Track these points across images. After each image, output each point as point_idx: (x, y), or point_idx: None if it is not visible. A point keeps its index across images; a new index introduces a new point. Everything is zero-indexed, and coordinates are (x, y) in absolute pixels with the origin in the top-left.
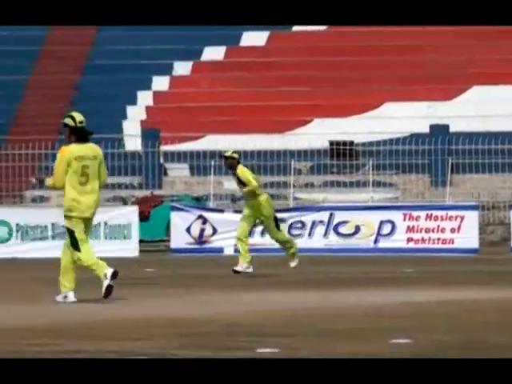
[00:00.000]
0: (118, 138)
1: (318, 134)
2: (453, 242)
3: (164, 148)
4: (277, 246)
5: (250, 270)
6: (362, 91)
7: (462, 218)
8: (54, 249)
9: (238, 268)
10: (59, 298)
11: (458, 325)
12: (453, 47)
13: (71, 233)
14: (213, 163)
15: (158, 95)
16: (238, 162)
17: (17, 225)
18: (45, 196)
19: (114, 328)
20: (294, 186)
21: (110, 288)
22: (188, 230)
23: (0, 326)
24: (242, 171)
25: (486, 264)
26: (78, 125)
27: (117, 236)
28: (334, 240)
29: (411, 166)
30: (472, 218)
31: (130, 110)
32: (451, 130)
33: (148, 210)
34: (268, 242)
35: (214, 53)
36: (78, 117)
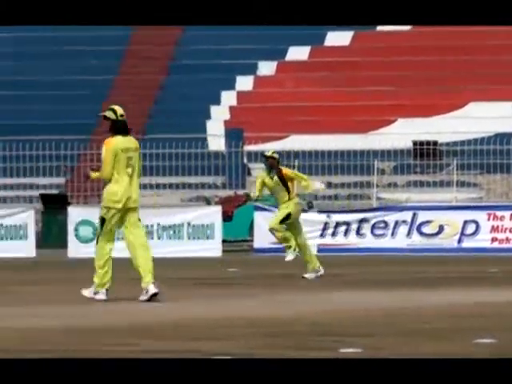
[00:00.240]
0: (202, 138)
1: (401, 133)
2: None
3: (247, 148)
4: (357, 246)
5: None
6: (446, 91)
7: None
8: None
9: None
10: (85, 292)
11: None
12: None
13: (102, 222)
14: (296, 163)
15: (241, 95)
16: (278, 163)
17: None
18: None
19: (196, 327)
20: (377, 185)
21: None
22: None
23: (79, 326)
24: (287, 171)
25: None
26: (119, 118)
27: (200, 236)
28: (417, 240)
29: (496, 165)
30: None
31: (213, 109)
32: None
33: (231, 209)
34: (351, 241)
35: (298, 53)
36: (119, 110)
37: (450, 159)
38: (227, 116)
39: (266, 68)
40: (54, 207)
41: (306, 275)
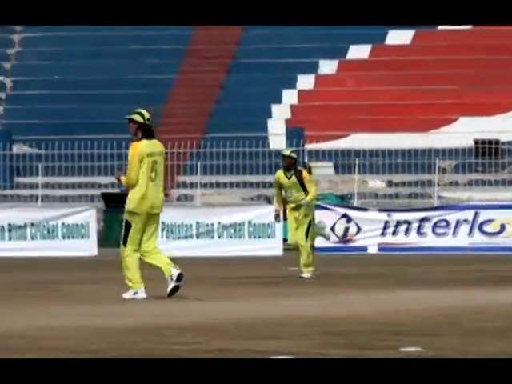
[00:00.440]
0: (263, 137)
1: (463, 132)
2: None
3: (308, 146)
4: (418, 244)
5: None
6: (508, 89)
7: None
8: (199, 247)
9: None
10: (127, 295)
11: None
12: None
13: (128, 227)
14: (357, 162)
15: (302, 94)
16: (296, 162)
17: (162, 223)
18: (190, 195)
19: (257, 326)
20: (439, 184)
21: (176, 289)
22: (332, 228)
23: (141, 325)
24: (307, 176)
25: None
26: (146, 122)
27: (261, 235)
28: (478, 239)
29: None
30: None
31: (274, 108)
32: None
33: None
34: (412, 240)
35: (359, 51)
36: (146, 114)
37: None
38: (288, 115)
39: (327, 67)
40: (115, 206)
41: (305, 275)
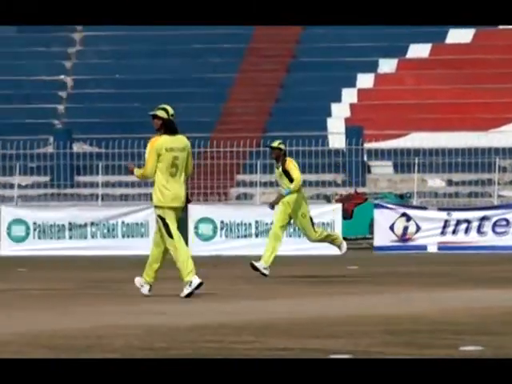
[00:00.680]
0: (323, 136)
1: None
2: None
3: (368, 145)
4: (478, 243)
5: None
6: None
7: None
8: (258, 246)
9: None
10: (138, 284)
11: None
12: None
13: (163, 220)
14: (417, 160)
15: (362, 92)
16: (285, 155)
17: (221, 222)
18: (249, 193)
19: (315, 325)
20: (499, 183)
21: (189, 296)
22: (391, 227)
23: (202, 323)
24: (292, 166)
25: None
26: (170, 117)
27: None
28: None
29: None
30: None
31: (334, 107)
32: None
33: (351, 207)
34: (472, 239)
35: (419, 50)
36: (170, 110)
37: None
38: (348, 113)
39: (387, 65)
40: None
41: (342, 250)
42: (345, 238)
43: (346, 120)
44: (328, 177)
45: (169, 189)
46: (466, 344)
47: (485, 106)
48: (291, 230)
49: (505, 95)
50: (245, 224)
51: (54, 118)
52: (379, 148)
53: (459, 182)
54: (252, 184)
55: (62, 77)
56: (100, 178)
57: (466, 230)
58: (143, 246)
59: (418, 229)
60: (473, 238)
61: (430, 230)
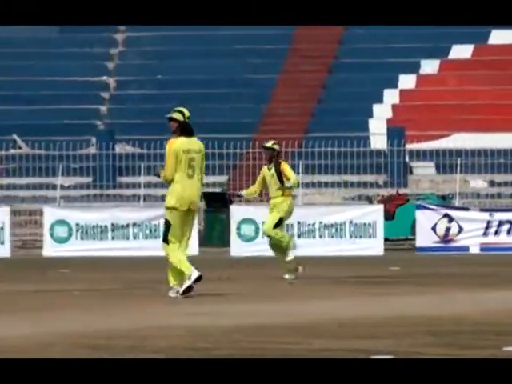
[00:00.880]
0: (364, 137)
1: None
2: None
3: (409, 146)
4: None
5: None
6: None
7: None
8: (300, 247)
9: None
10: (172, 294)
11: None
12: None
13: (167, 224)
14: (459, 161)
15: (404, 93)
16: (278, 155)
17: (263, 223)
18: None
19: (358, 326)
20: None
21: (190, 289)
22: (433, 228)
23: (245, 324)
24: (287, 167)
25: None
26: (186, 120)
27: (362, 235)
28: None
29: None
30: None
31: (376, 108)
32: None
33: (393, 208)
34: (510, 240)
35: (461, 51)
36: (186, 112)
37: None
38: (390, 114)
39: (429, 66)
40: (216, 206)
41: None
42: (386, 239)
43: (388, 121)
44: (370, 178)
45: (183, 192)
46: (508, 344)
47: None
48: (333, 230)
49: None
50: (287, 225)
51: (96, 119)
52: (421, 149)
53: (501, 182)
54: None
55: (105, 78)
56: (142, 179)
57: (509, 231)
58: None
59: (460, 230)
60: None
61: (472, 231)
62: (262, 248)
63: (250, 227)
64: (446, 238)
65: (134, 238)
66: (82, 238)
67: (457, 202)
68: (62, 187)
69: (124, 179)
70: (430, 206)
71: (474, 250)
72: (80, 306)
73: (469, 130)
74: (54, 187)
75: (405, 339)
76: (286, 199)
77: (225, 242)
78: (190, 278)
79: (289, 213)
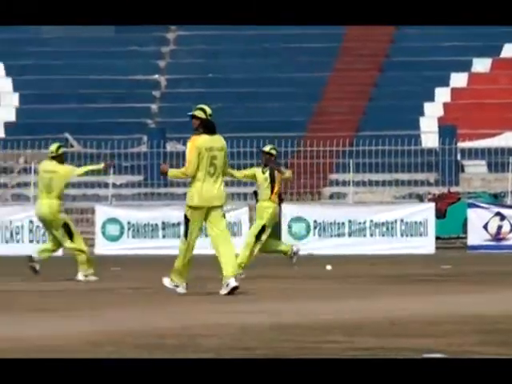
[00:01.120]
0: (415, 135)
1: None
2: None
3: (461, 145)
4: None
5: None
6: None
7: None
8: (351, 246)
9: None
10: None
11: None
12: None
13: (187, 221)
14: (511, 160)
15: (456, 92)
16: (275, 159)
17: (314, 221)
18: (342, 193)
19: (410, 324)
20: None
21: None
22: (485, 226)
23: (294, 322)
24: (280, 176)
25: None
26: (208, 117)
27: (413, 233)
28: None
29: None
30: None
31: (427, 106)
32: None
33: (444, 206)
34: None
35: None
36: (208, 110)
37: None
38: (441, 113)
39: (481, 65)
40: None
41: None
42: (438, 238)
43: (439, 119)
44: (421, 176)
45: (204, 190)
46: None
47: None
48: (384, 229)
49: None
50: (338, 223)
51: (147, 117)
52: (473, 147)
53: None
54: (345, 183)
55: (156, 76)
56: None
57: None
58: (236, 245)
59: None
60: None
61: None
62: (312, 246)
63: (301, 225)
64: (497, 236)
65: None
66: (133, 237)
67: (509, 201)
68: (114, 185)
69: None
70: (482, 205)
71: None
72: (130, 304)
73: None
74: (106, 185)
75: (456, 338)
76: (271, 205)
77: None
78: (227, 285)
79: (273, 220)
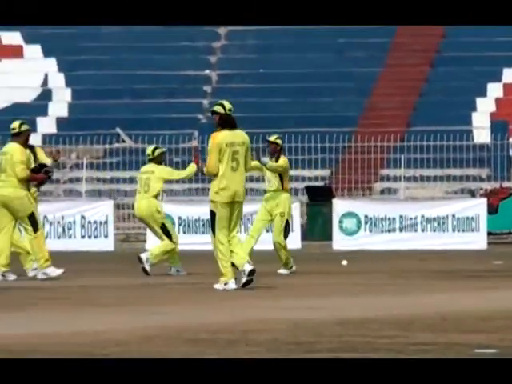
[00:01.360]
0: (467, 130)
1: None
2: None
3: None
4: None
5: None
6: None
7: None
8: (402, 241)
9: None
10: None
11: None
12: None
13: (213, 215)
14: None
15: (508, 87)
16: (281, 150)
17: (365, 216)
18: (393, 188)
19: (462, 320)
20: None
21: (248, 283)
22: None
23: (346, 317)
24: (282, 162)
25: None
26: (228, 112)
27: (465, 228)
28: None
29: None
30: None
31: (479, 102)
32: None
33: (496, 202)
34: None
35: None
36: (228, 105)
37: None
38: (493, 108)
39: None
40: (319, 199)
41: (281, 271)
42: (490, 233)
43: (492, 114)
44: (473, 171)
45: (227, 185)
46: None
47: None
48: (435, 224)
49: None
50: (389, 219)
51: (198, 112)
52: None
53: None
54: (396, 178)
55: (207, 71)
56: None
57: None
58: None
59: None
60: None
61: None
62: (364, 242)
63: (353, 221)
64: None
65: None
66: (184, 232)
67: None
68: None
69: None
70: None
71: None
72: (183, 300)
73: None
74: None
75: (509, 333)
76: (287, 195)
77: (327, 236)
78: (244, 273)
79: (290, 208)
